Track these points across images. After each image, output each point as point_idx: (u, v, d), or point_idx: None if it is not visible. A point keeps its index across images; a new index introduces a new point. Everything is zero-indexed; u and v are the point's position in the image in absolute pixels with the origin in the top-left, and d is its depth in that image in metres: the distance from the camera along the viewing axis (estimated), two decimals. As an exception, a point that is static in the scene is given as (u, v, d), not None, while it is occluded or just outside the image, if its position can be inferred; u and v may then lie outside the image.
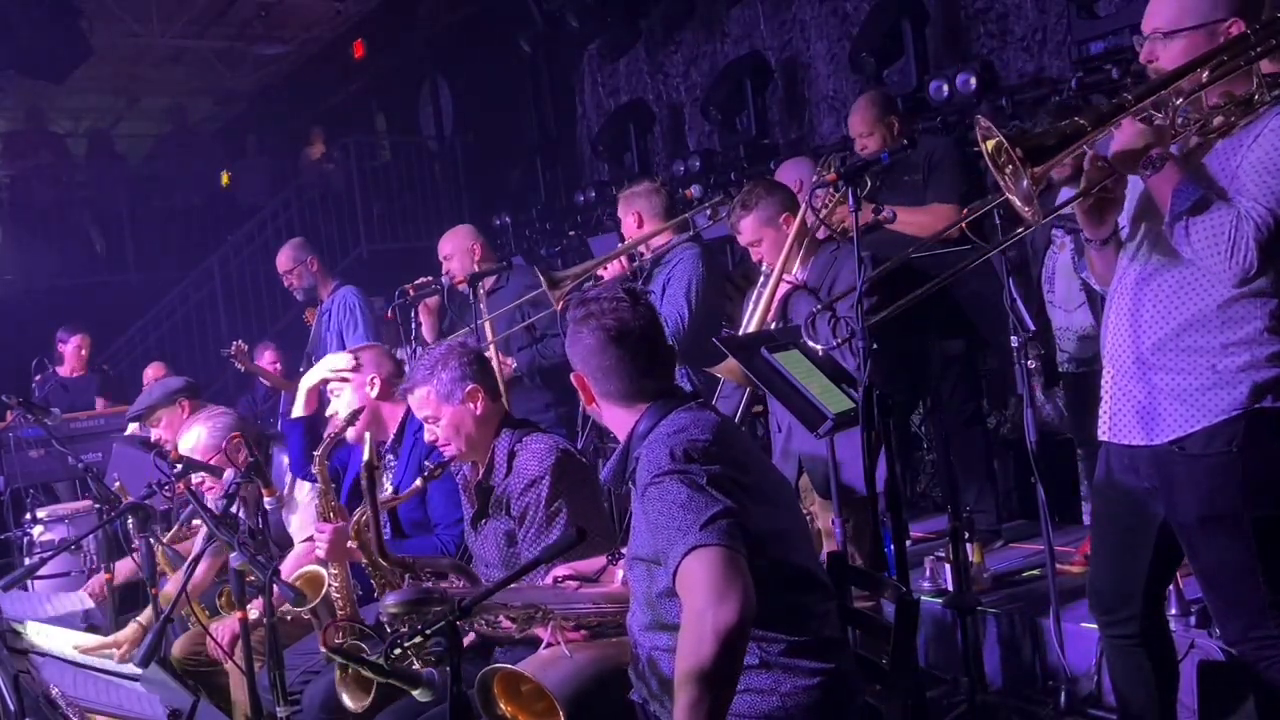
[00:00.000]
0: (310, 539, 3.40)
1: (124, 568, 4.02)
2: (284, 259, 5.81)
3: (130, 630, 3.58)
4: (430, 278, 4.99)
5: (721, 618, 1.79)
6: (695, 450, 1.98)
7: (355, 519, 2.96)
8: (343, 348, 5.59)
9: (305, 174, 10.56)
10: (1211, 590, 2.35)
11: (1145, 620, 2.48)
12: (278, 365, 7.03)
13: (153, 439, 4.37)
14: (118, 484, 4.29)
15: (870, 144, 4.54)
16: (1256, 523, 2.19)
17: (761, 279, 3.61)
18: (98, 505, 3.94)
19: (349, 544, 2.97)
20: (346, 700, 2.82)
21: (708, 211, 4.40)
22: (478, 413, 2.86)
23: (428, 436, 2.93)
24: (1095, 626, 3.31)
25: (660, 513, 1.95)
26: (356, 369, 3.40)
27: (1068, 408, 4.47)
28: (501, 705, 2.26)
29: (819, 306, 3.30)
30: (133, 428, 5.23)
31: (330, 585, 3.05)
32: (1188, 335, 2.23)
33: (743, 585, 1.83)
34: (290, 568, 3.47)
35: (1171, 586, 3.28)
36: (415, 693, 2.34)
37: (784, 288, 3.51)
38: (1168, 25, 2.20)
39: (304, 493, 3.76)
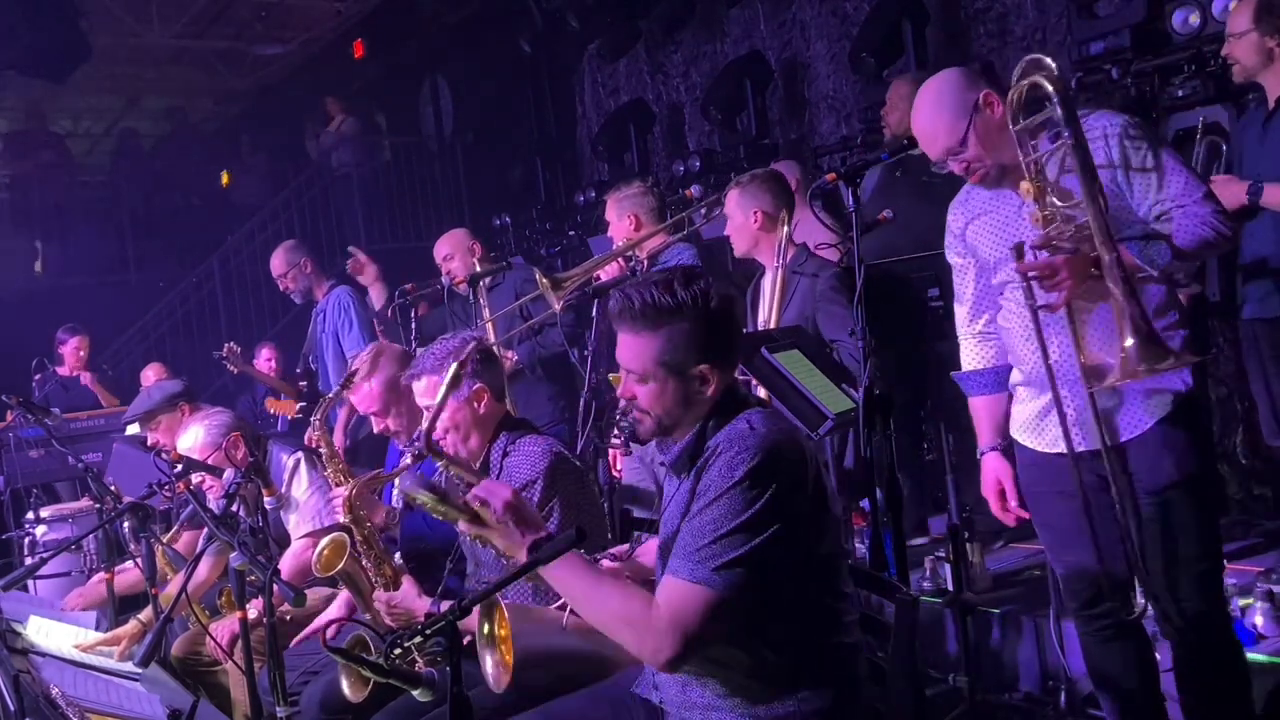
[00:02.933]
0: (308, 535, 3.42)
1: (125, 579, 4.00)
2: (278, 263, 5.78)
3: (130, 627, 3.58)
4: (432, 279, 4.99)
5: (678, 656, 1.89)
6: (777, 460, 1.94)
7: (350, 490, 2.97)
8: (339, 347, 5.60)
9: (321, 153, 10.46)
10: (1180, 550, 2.45)
11: (1123, 608, 2.58)
12: (272, 363, 7.03)
13: (149, 443, 4.37)
14: (112, 485, 4.29)
15: (891, 119, 4.81)
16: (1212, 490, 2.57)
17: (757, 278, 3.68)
18: (97, 505, 3.94)
19: (346, 517, 2.98)
20: (345, 689, 2.83)
21: (703, 210, 4.40)
22: (480, 411, 2.85)
23: (425, 426, 2.93)
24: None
25: (714, 514, 1.92)
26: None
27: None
28: (499, 628, 2.25)
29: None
30: (133, 428, 5.23)
31: (358, 540, 3.05)
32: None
33: (706, 641, 1.91)
34: (289, 565, 3.48)
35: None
36: (415, 693, 2.34)
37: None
38: (954, 138, 2.49)
39: (303, 491, 3.77)
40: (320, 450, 3.47)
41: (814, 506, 1.98)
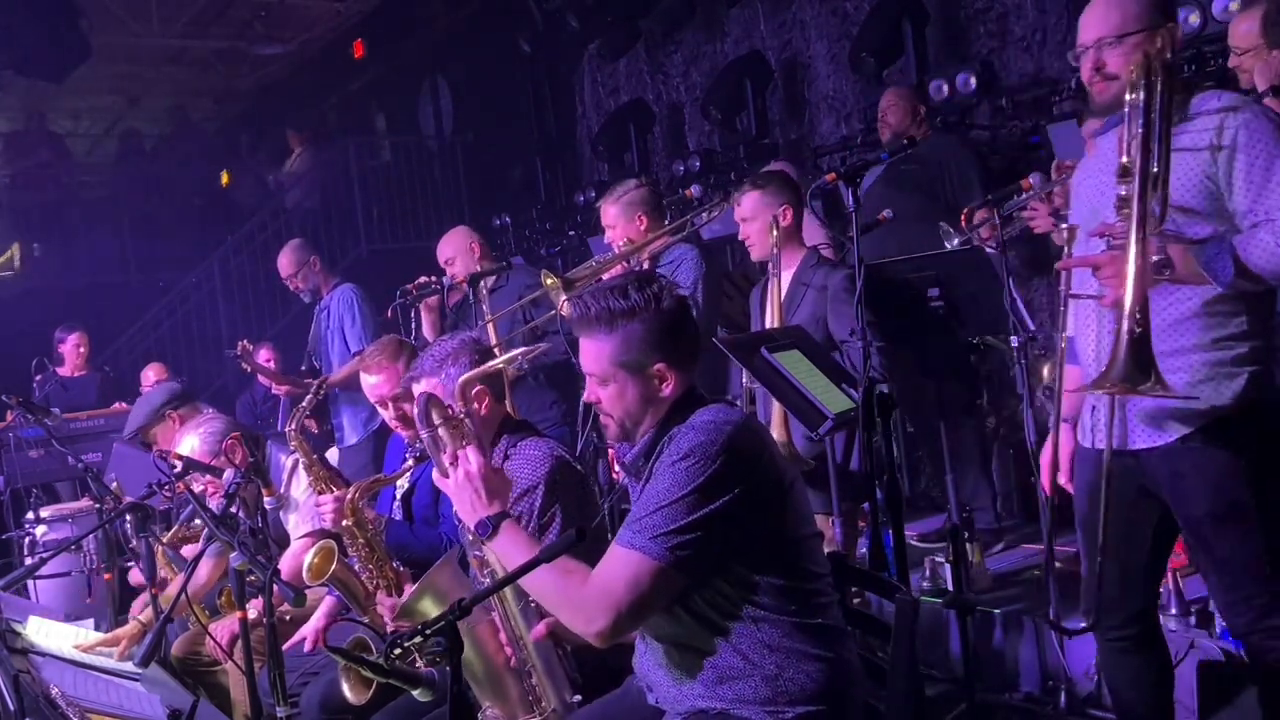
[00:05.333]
0: (307, 535, 3.42)
1: (139, 574, 4.00)
2: (286, 263, 5.77)
3: (130, 627, 3.58)
4: (433, 277, 4.98)
5: (609, 625, 1.94)
6: (722, 439, 1.98)
7: (352, 494, 2.97)
8: (345, 344, 5.59)
9: (277, 188, 10.54)
10: (1222, 581, 2.36)
11: (1142, 622, 2.50)
12: (272, 364, 7.03)
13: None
14: (114, 484, 4.29)
15: (891, 119, 4.93)
16: (1263, 512, 2.24)
17: (763, 281, 3.68)
18: (97, 505, 3.93)
19: (345, 522, 2.97)
20: (347, 692, 2.83)
21: (704, 214, 4.39)
22: (482, 413, 2.84)
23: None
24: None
25: (660, 488, 1.97)
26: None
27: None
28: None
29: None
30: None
31: (350, 548, 3.05)
32: (1180, 336, 2.28)
33: (640, 610, 1.95)
34: (289, 566, 3.47)
35: (1171, 587, 3.28)
36: (415, 693, 2.35)
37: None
38: (1118, 30, 2.29)
39: (302, 491, 3.76)
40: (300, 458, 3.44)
41: (769, 488, 2.01)
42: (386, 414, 3.40)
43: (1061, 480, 2.64)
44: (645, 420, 2.13)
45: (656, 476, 2.01)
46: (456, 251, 4.92)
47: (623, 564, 1.96)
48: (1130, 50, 2.26)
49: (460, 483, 2.12)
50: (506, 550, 2.08)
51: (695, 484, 1.94)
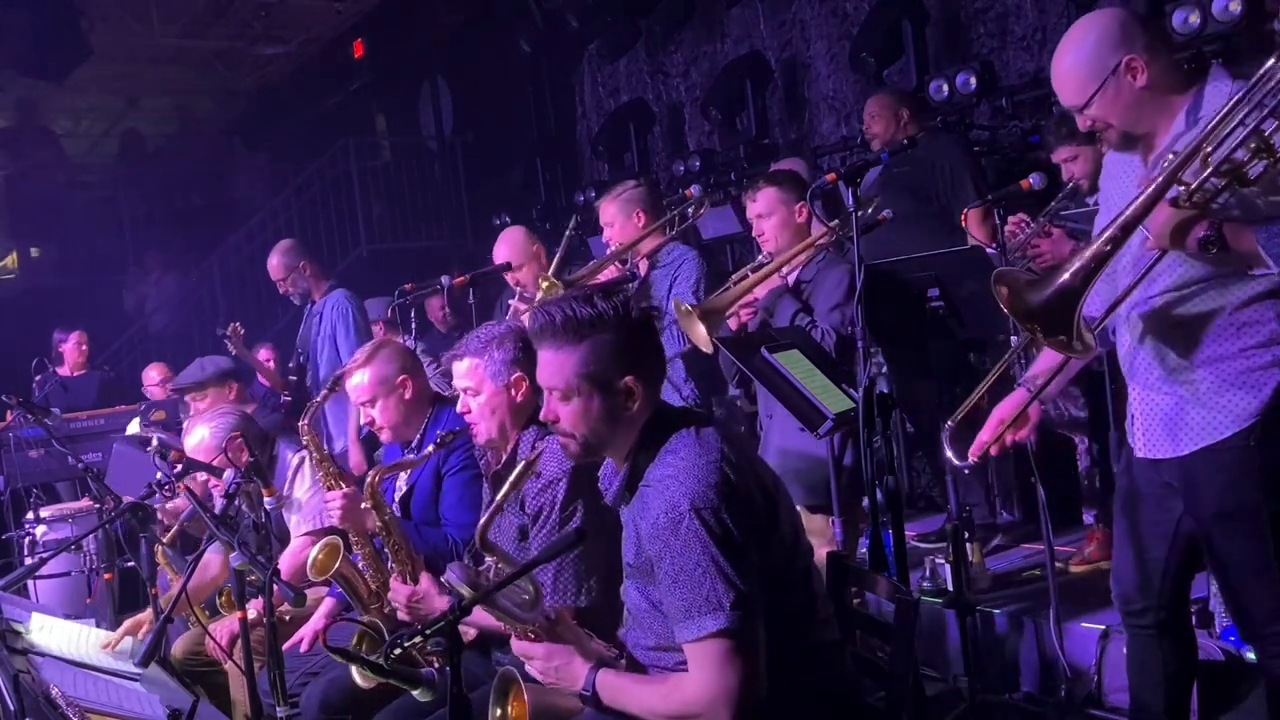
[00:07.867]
0: (308, 534, 3.42)
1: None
2: (276, 267, 5.68)
3: (141, 618, 3.57)
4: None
5: (739, 712, 1.86)
6: (715, 488, 1.92)
7: (374, 476, 2.96)
8: (336, 351, 5.54)
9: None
10: (1228, 585, 2.37)
11: (1163, 613, 2.50)
12: (271, 364, 7.03)
13: (192, 411, 4.37)
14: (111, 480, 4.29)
15: (876, 129, 4.91)
16: (1274, 518, 2.21)
17: (754, 264, 3.68)
18: (98, 505, 3.93)
19: (363, 505, 2.96)
20: (356, 678, 2.83)
21: (690, 209, 4.36)
22: (518, 400, 2.82)
23: (460, 407, 2.90)
24: (1095, 626, 3.35)
25: (680, 569, 1.90)
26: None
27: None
28: (512, 706, 2.25)
29: (798, 309, 3.49)
30: (133, 426, 5.22)
31: (355, 550, 3.04)
32: (1207, 346, 2.24)
33: (750, 683, 1.88)
34: (288, 565, 3.47)
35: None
36: (415, 693, 2.34)
37: (775, 281, 3.60)
38: (1081, 99, 2.25)
39: (304, 491, 3.76)
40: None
41: (764, 514, 1.98)
42: (365, 417, 3.42)
43: (983, 439, 2.59)
44: (614, 442, 2.05)
45: (663, 558, 1.93)
46: (520, 257, 4.74)
47: (705, 656, 1.90)
48: (1103, 104, 2.23)
49: (550, 673, 2.08)
50: (613, 685, 2.02)
51: (706, 543, 1.89)
